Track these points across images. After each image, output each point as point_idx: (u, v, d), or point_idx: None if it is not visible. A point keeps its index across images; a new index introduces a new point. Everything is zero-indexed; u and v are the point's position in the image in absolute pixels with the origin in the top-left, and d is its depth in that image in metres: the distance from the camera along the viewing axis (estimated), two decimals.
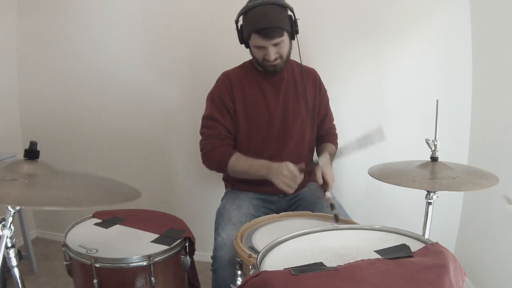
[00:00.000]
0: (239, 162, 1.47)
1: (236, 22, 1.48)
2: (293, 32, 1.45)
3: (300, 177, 1.33)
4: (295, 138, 1.57)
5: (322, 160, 1.57)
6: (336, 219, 1.25)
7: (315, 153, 1.72)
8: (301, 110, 1.58)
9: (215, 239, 1.36)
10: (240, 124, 1.54)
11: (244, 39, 1.47)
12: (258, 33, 1.37)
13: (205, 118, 1.56)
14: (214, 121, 1.52)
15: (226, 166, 1.47)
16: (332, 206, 1.30)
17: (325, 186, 1.42)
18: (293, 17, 1.44)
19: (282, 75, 1.56)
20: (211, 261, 1.37)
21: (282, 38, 1.40)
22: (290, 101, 1.56)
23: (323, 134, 1.70)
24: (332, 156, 1.64)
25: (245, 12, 1.42)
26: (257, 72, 1.56)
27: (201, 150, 1.54)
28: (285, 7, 1.43)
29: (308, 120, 1.59)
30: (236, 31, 1.49)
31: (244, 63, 1.62)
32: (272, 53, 1.42)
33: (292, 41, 1.49)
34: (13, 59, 2.39)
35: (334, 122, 1.78)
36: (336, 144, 1.75)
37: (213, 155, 1.50)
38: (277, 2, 1.39)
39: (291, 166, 1.33)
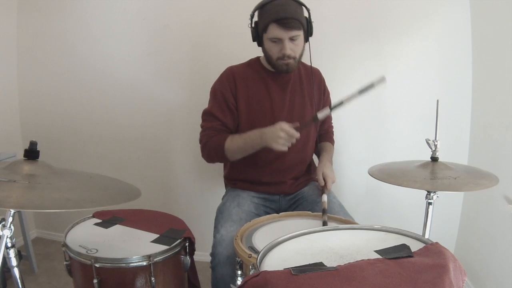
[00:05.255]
0: (234, 141, 1.45)
1: (252, 16, 1.46)
2: (308, 33, 1.45)
3: (297, 134, 1.33)
4: (301, 139, 1.56)
5: (323, 156, 1.59)
6: (324, 224, 1.27)
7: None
8: (307, 112, 1.57)
9: (214, 236, 1.36)
10: (242, 122, 1.52)
11: (258, 33, 1.45)
12: (277, 22, 1.35)
13: (205, 113, 1.55)
14: (213, 117, 1.52)
15: (223, 150, 1.46)
16: (323, 211, 1.34)
17: (324, 188, 1.45)
18: (309, 18, 1.44)
19: (289, 75, 1.54)
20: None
21: (299, 32, 1.39)
22: (297, 102, 1.55)
23: (322, 133, 1.72)
24: (331, 156, 1.65)
25: (262, 5, 1.41)
26: (264, 71, 1.54)
27: (200, 142, 1.54)
28: (303, 6, 1.43)
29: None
30: (245, 30, 1.48)
31: (251, 60, 1.60)
32: (288, 48, 1.39)
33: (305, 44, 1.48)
34: (13, 59, 2.38)
35: (335, 122, 1.78)
36: (333, 141, 1.77)
37: (210, 145, 1.49)
38: (298, 0, 1.39)
39: (285, 126, 1.32)
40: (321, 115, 1.36)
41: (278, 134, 1.31)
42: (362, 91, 1.27)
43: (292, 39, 1.39)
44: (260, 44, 1.48)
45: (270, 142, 1.33)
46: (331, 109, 1.34)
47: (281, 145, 1.32)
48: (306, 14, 1.44)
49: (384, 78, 1.25)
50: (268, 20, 1.38)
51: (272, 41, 1.41)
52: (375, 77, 1.27)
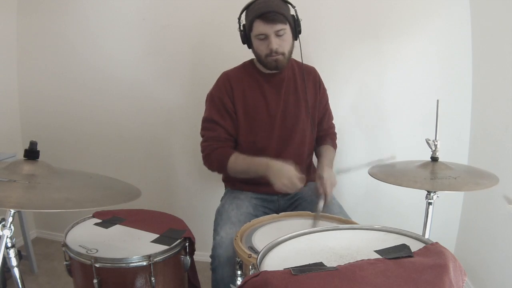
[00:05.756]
0: (238, 162, 1.46)
1: (239, 19, 1.48)
2: (296, 30, 1.46)
3: (299, 187, 1.33)
4: (296, 139, 1.56)
5: (321, 161, 1.58)
6: (315, 218, 1.29)
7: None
8: (302, 111, 1.57)
9: (214, 238, 1.36)
10: (241, 126, 1.53)
11: (246, 34, 1.47)
12: (260, 18, 1.37)
13: (205, 120, 1.56)
14: (213, 123, 1.52)
15: (225, 167, 1.47)
16: (316, 213, 1.34)
17: (324, 194, 1.42)
18: (295, 16, 1.45)
19: (282, 75, 1.55)
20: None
21: (284, 26, 1.40)
22: (291, 102, 1.56)
23: (322, 134, 1.69)
24: (332, 159, 1.64)
25: (247, 6, 1.44)
26: (257, 73, 1.56)
27: (202, 152, 1.55)
28: (288, 3, 1.45)
29: (308, 121, 1.59)
30: (238, 31, 1.49)
31: (245, 62, 1.61)
32: (274, 42, 1.40)
33: (295, 41, 1.49)
34: (13, 59, 2.38)
35: (335, 122, 1.78)
36: (335, 144, 1.74)
37: (212, 157, 1.50)
38: None
39: (293, 174, 1.32)
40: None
41: (282, 180, 1.33)
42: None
43: (278, 34, 1.40)
44: (250, 45, 1.50)
45: (273, 180, 1.34)
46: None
47: (281, 188, 1.33)
48: (293, 12, 1.45)
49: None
50: (252, 18, 1.40)
51: (259, 38, 1.42)
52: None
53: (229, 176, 1.65)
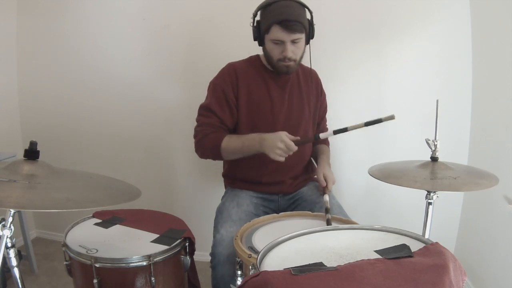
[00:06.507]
0: (231, 142, 1.44)
1: (254, 16, 1.46)
2: (310, 36, 1.45)
3: (295, 148, 1.33)
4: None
5: (322, 158, 1.59)
6: (328, 223, 1.26)
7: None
8: (305, 112, 1.58)
9: (214, 236, 1.36)
10: (242, 122, 1.52)
11: (260, 33, 1.44)
12: (280, 24, 1.35)
13: (203, 107, 1.54)
14: (210, 112, 1.50)
15: (219, 149, 1.45)
16: (326, 210, 1.33)
17: (325, 189, 1.45)
18: (311, 21, 1.44)
19: (288, 75, 1.54)
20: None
21: (301, 35, 1.39)
22: (295, 102, 1.56)
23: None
24: (329, 158, 1.65)
25: (266, 5, 1.40)
26: (264, 69, 1.54)
27: (195, 137, 1.53)
28: (307, 8, 1.42)
29: (310, 121, 1.59)
30: (245, 30, 1.48)
31: (251, 57, 1.59)
32: (290, 50, 1.39)
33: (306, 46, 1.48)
34: (13, 58, 2.38)
35: (335, 122, 1.78)
36: (328, 142, 1.78)
37: (205, 141, 1.48)
38: (301, 2, 1.39)
39: (285, 137, 1.32)
40: (323, 135, 1.37)
41: (277, 145, 1.31)
42: (369, 123, 1.26)
43: (294, 42, 1.39)
44: (261, 43, 1.48)
45: (268, 150, 1.34)
46: (335, 133, 1.32)
47: (278, 155, 1.32)
48: (308, 16, 1.43)
49: (394, 117, 1.24)
50: (271, 21, 1.37)
51: (274, 42, 1.41)
52: (384, 114, 1.26)
53: (229, 171, 1.65)
